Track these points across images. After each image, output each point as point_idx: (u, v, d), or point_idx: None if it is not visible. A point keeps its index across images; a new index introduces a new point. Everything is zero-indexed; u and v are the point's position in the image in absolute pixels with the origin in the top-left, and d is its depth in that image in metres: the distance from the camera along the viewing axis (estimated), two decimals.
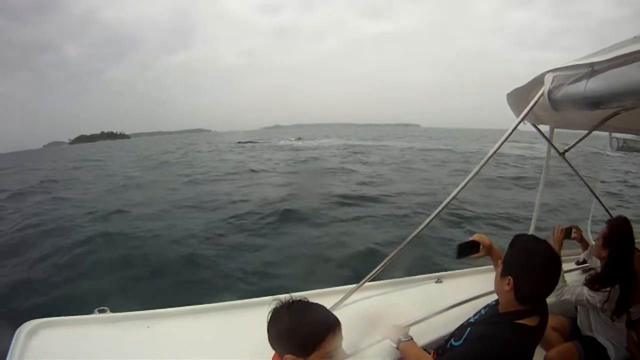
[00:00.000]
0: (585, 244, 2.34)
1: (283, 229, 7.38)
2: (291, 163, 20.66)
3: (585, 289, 1.87)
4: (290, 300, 1.00)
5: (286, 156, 24.99)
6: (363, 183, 12.59)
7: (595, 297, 1.82)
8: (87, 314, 1.62)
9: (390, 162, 20.52)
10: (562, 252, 2.12)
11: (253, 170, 17.10)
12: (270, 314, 1.00)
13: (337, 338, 0.99)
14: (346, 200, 9.57)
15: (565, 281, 1.97)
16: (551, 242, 2.11)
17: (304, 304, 1.01)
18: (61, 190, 13.85)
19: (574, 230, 2.28)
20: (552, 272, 1.22)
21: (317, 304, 1.03)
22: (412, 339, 1.46)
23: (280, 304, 1.00)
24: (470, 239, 1.59)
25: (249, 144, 45.58)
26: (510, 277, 1.24)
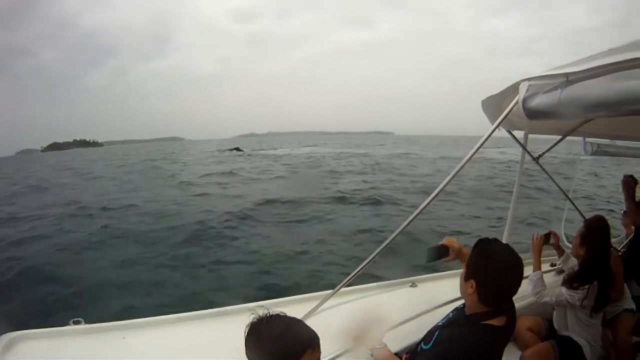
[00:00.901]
0: (561, 251, 2.35)
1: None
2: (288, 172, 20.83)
3: (564, 289, 1.90)
4: (269, 315, 0.97)
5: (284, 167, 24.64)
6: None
7: (574, 296, 1.86)
8: (62, 325, 1.60)
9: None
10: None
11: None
12: (247, 329, 0.97)
13: (316, 354, 0.97)
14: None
15: (544, 285, 2.01)
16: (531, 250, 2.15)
17: (282, 319, 0.98)
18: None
19: (552, 235, 2.28)
20: (512, 274, 1.23)
21: (295, 319, 1.01)
22: (386, 346, 1.46)
23: (258, 318, 0.97)
24: (440, 243, 1.60)
25: (227, 151, 43.91)
26: (472, 280, 1.26)
